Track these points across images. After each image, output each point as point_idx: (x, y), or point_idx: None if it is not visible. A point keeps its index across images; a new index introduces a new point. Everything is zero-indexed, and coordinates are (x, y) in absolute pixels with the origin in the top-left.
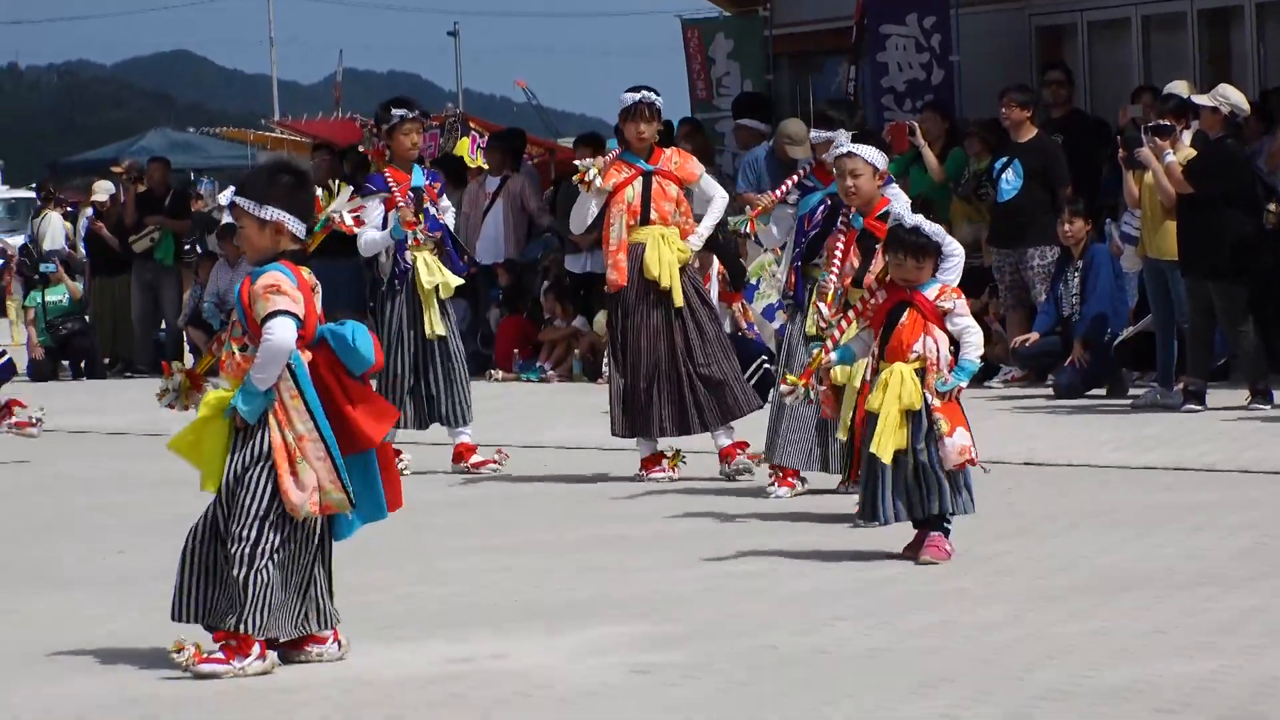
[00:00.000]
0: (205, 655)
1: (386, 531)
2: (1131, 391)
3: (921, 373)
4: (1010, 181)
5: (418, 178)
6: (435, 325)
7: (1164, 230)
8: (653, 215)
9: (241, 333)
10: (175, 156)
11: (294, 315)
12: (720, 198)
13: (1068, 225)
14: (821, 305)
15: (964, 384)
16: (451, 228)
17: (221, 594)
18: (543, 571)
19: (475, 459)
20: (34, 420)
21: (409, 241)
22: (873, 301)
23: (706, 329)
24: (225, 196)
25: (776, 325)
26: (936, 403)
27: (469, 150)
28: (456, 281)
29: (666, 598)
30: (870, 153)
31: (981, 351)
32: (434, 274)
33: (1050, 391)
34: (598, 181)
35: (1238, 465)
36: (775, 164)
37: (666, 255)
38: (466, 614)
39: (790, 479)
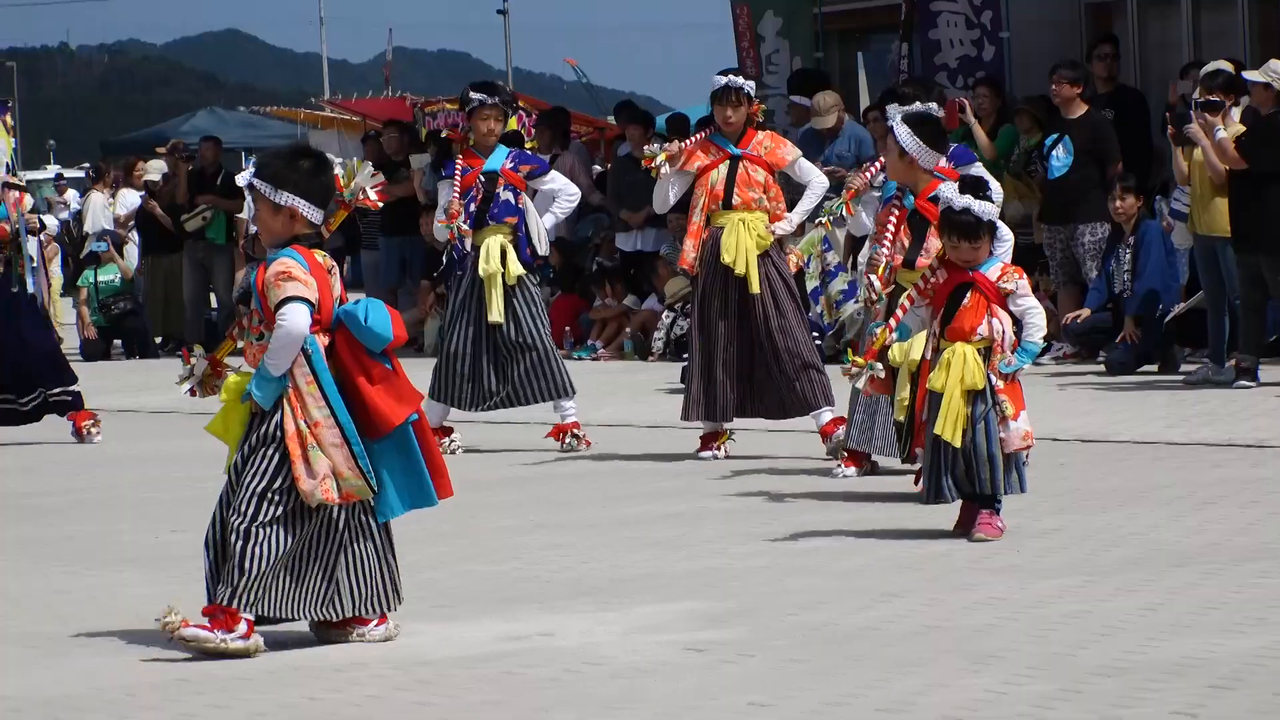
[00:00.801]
0: (192, 622)
1: (438, 510)
2: (1183, 368)
3: (986, 353)
4: (1060, 158)
5: (495, 161)
6: (493, 311)
7: (1214, 207)
8: (735, 200)
9: (259, 321)
10: (225, 136)
11: (307, 301)
12: (818, 182)
13: (1119, 202)
14: (873, 277)
15: (1027, 365)
16: (545, 216)
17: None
18: (595, 549)
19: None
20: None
21: (445, 237)
22: (933, 280)
23: (788, 314)
24: (244, 177)
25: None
26: (1000, 384)
27: (519, 128)
28: (518, 270)
29: (720, 575)
30: (902, 133)
31: (1045, 332)
32: (491, 261)
33: (1102, 368)
34: (665, 168)
35: None
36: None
37: (744, 241)
38: (519, 591)
39: (857, 461)
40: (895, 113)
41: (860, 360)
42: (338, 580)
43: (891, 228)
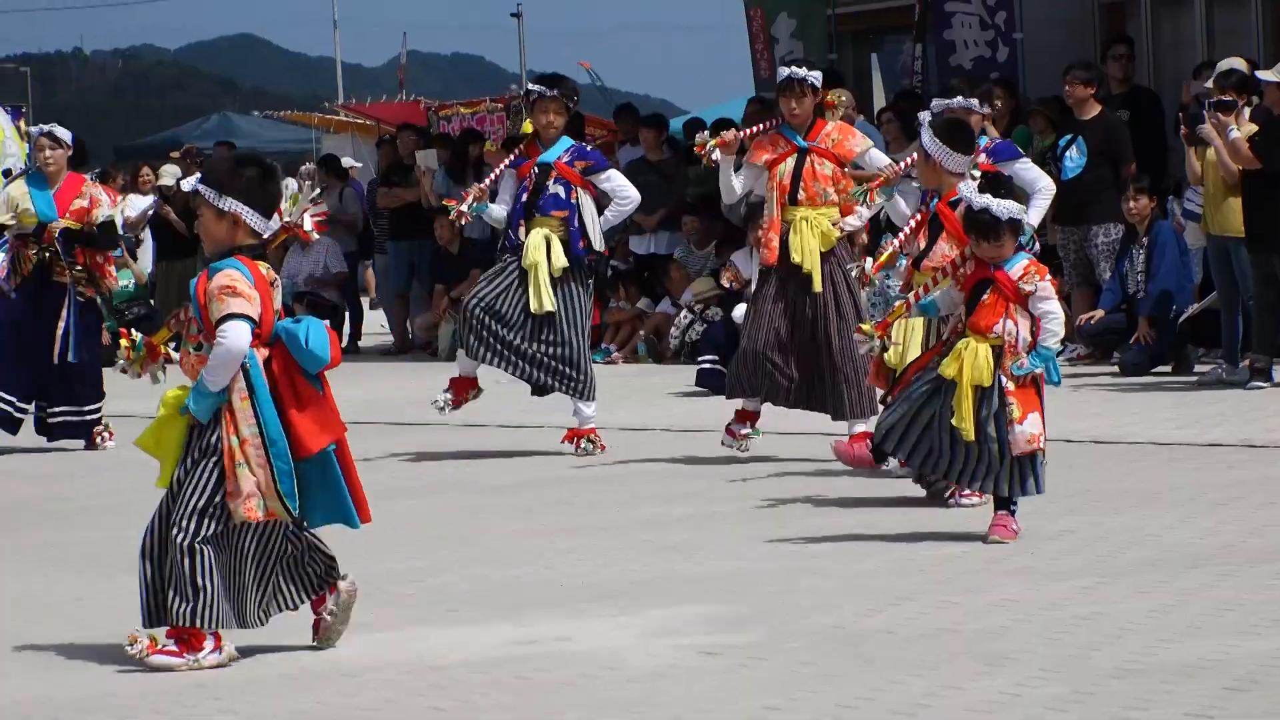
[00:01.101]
0: (159, 647)
1: (451, 514)
2: (1197, 368)
3: (1000, 352)
4: (1074, 159)
5: (551, 154)
6: (538, 300)
7: (1227, 207)
8: (800, 195)
9: (197, 331)
10: (240, 140)
11: (249, 318)
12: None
13: (1132, 202)
14: (868, 261)
15: (1039, 369)
16: (602, 214)
17: (172, 587)
18: (609, 552)
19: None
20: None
21: (454, 216)
22: (962, 271)
23: (847, 316)
24: (189, 183)
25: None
26: (1011, 385)
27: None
28: (562, 263)
29: (734, 578)
30: (925, 136)
31: (1061, 336)
32: (534, 253)
33: (1115, 369)
34: (717, 155)
35: None
36: None
37: (808, 242)
38: (532, 595)
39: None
40: (925, 116)
41: (868, 329)
42: (271, 585)
43: (911, 225)
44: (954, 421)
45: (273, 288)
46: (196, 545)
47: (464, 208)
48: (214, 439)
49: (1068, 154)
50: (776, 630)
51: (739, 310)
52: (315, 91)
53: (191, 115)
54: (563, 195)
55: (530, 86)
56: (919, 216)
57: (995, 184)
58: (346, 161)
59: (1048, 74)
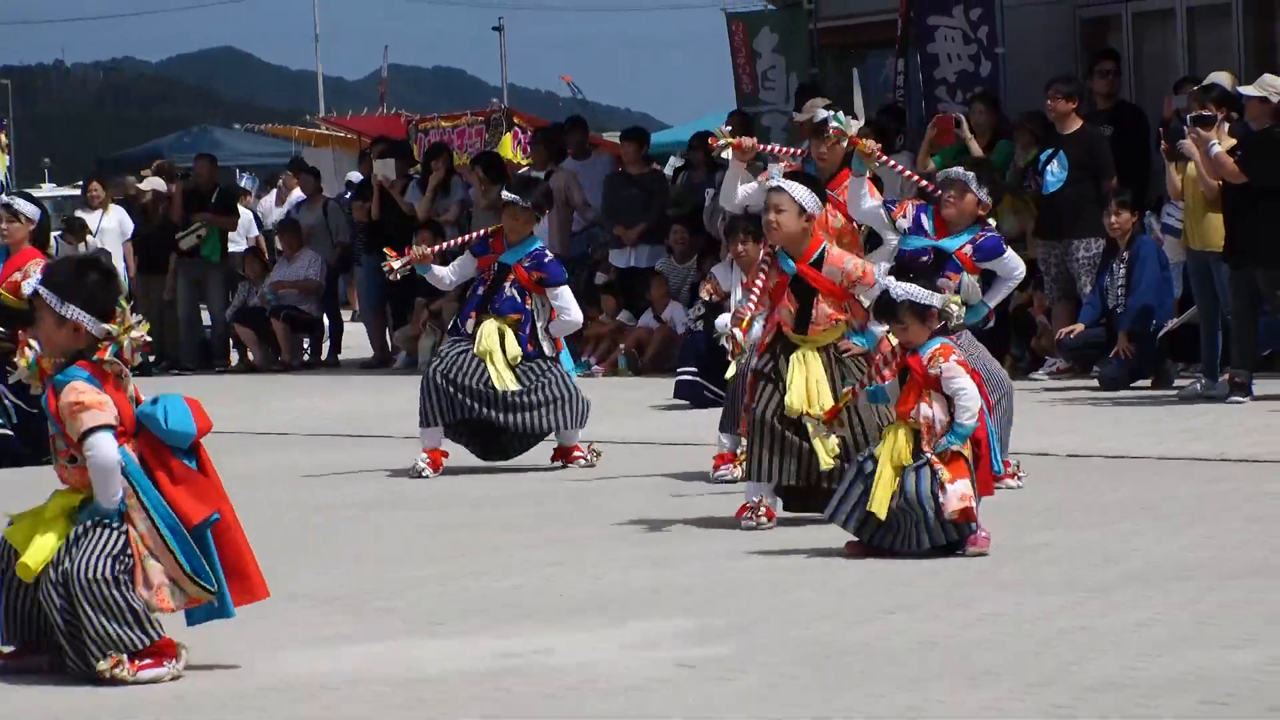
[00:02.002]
0: (140, 664)
1: (435, 527)
2: (1176, 383)
3: (919, 435)
4: (1055, 173)
5: (513, 256)
6: (500, 381)
7: (1207, 222)
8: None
9: (65, 445)
10: (220, 153)
11: (108, 425)
12: (886, 249)
13: (1114, 217)
14: (737, 331)
15: (956, 446)
16: (551, 328)
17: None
18: (592, 565)
19: (576, 453)
20: None
21: (385, 268)
22: (895, 359)
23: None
24: (29, 285)
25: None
26: (934, 457)
27: (511, 146)
28: (516, 352)
29: (716, 591)
30: (799, 191)
31: (973, 414)
32: (487, 342)
33: (1095, 383)
34: (728, 154)
35: None
36: None
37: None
38: (516, 608)
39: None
40: (778, 169)
41: (815, 413)
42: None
43: (759, 286)
44: (869, 507)
45: (121, 379)
46: (116, 577)
47: (395, 265)
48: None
49: (1049, 168)
50: (758, 643)
51: (721, 320)
52: (297, 105)
53: (173, 128)
54: (518, 299)
55: (505, 195)
56: (765, 275)
57: (911, 269)
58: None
59: (1030, 88)
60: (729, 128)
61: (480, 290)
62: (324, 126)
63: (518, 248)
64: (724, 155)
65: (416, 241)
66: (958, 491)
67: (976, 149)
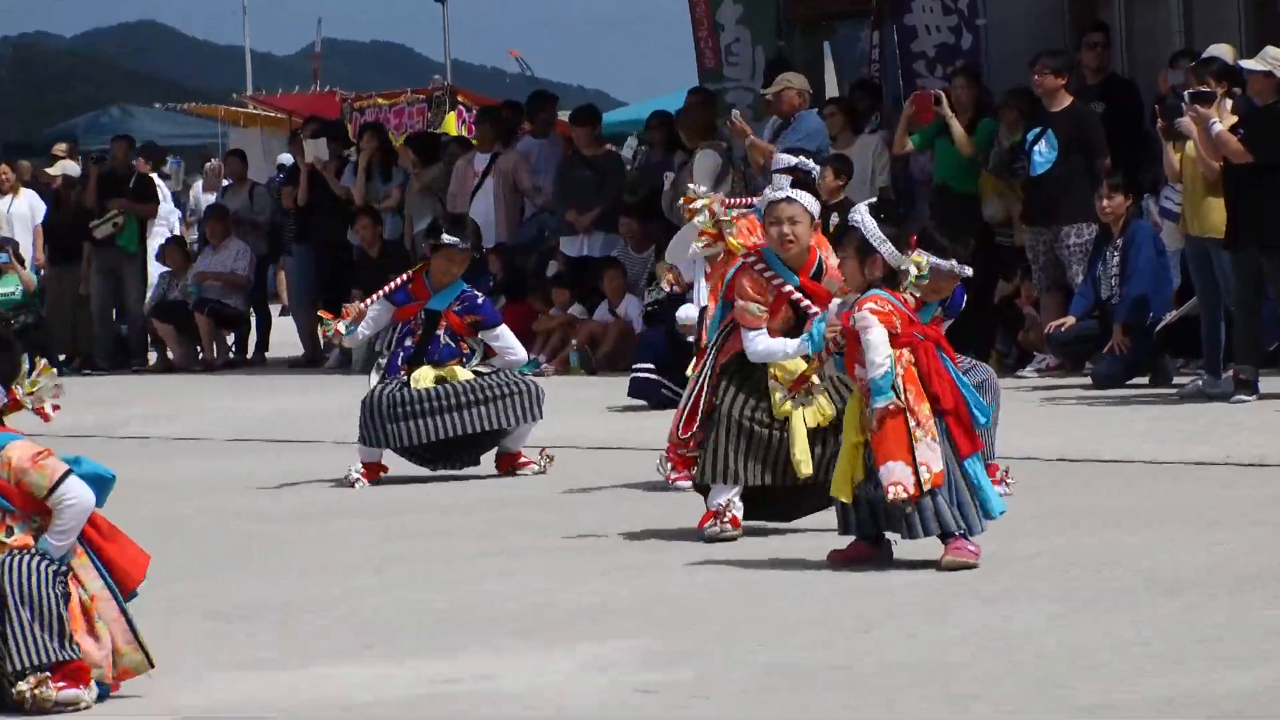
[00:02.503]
0: (60, 685)
1: (372, 535)
2: (1176, 380)
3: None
4: (1044, 154)
5: (441, 301)
6: (457, 375)
7: (1207, 205)
8: None
9: (3, 514)
10: (139, 135)
11: (71, 470)
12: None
13: (1106, 200)
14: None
15: (881, 405)
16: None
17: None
18: (541, 579)
19: (521, 460)
20: None
21: (331, 334)
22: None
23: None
24: None
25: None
26: (868, 435)
27: (456, 126)
28: (466, 376)
29: (676, 607)
30: (809, 200)
31: (879, 365)
32: (423, 381)
33: (1087, 381)
34: (701, 217)
35: None
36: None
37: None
38: (457, 626)
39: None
40: (786, 181)
41: (783, 378)
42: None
43: (761, 296)
44: (831, 492)
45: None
46: (58, 579)
47: (341, 327)
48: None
49: (1036, 148)
50: (722, 666)
51: (684, 312)
52: (223, 82)
53: (88, 107)
54: (454, 345)
55: (444, 238)
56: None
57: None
58: (285, 157)
59: (1015, 63)
60: (704, 189)
61: (409, 342)
62: (252, 106)
63: (445, 292)
64: (700, 220)
65: (354, 229)
66: (888, 475)
67: (958, 128)
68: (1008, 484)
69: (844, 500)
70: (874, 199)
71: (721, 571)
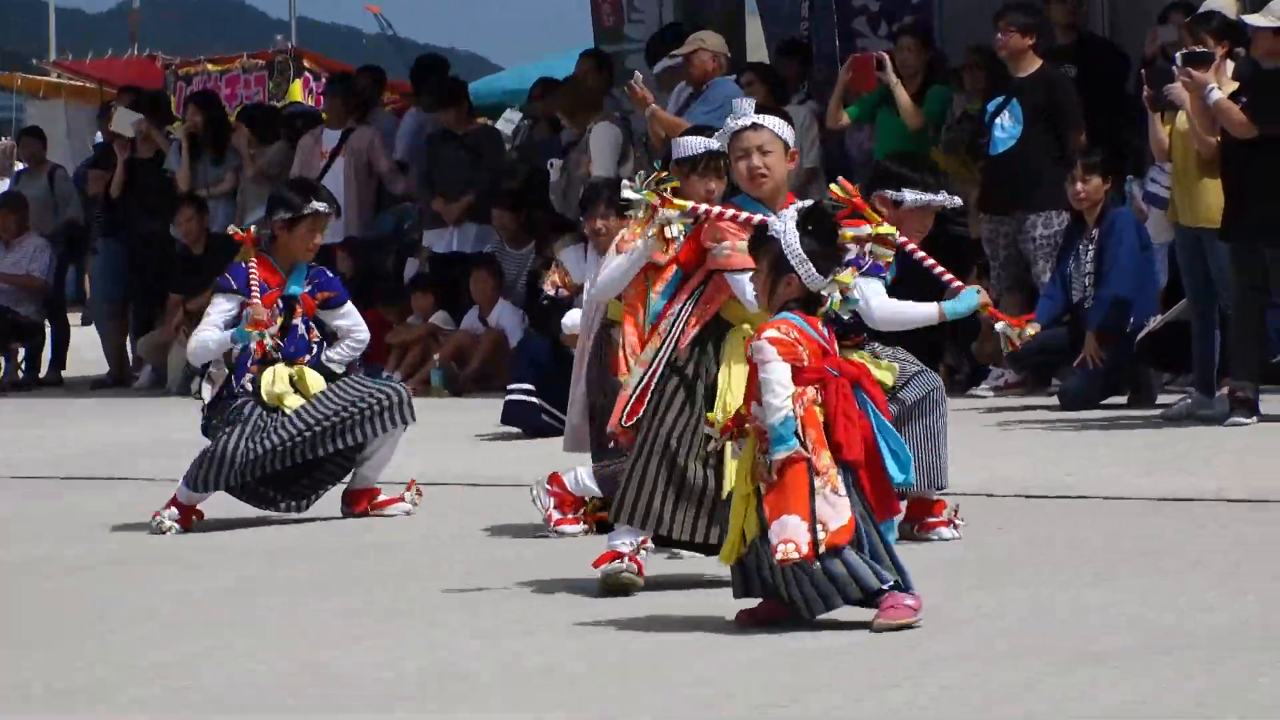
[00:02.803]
0: None
1: (203, 593)
2: (1160, 399)
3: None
4: (1006, 128)
5: (296, 284)
6: (308, 383)
7: (1201, 189)
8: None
9: None
10: None
11: None
12: None
13: (1080, 184)
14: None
15: (781, 455)
16: (342, 357)
17: None
18: (405, 640)
19: (381, 498)
20: None
21: (253, 350)
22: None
23: None
24: None
25: None
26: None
27: (302, 95)
28: (319, 387)
29: (569, 674)
30: (779, 124)
31: (777, 409)
32: (279, 386)
33: (1055, 400)
34: (673, 230)
35: None
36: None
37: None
38: (304, 699)
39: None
40: (749, 105)
41: (714, 419)
42: None
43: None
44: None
45: None
46: None
47: (266, 342)
48: None
49: (998, 121)
50: None
51: (570, 318)
52: (22, 44)
53: None
54: (305, 335)
55: (314, 204)
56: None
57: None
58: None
59: (972, 19)
60: (674, 213)
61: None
62: (55, 73)
63: (297, 273)
64: (672, 233)
65: (176, 223)
66: (779, 531)
67: (903, 95)
68: (956, 524)
69: (726, 562)
70: (806, 203)
71: (627, 633)
